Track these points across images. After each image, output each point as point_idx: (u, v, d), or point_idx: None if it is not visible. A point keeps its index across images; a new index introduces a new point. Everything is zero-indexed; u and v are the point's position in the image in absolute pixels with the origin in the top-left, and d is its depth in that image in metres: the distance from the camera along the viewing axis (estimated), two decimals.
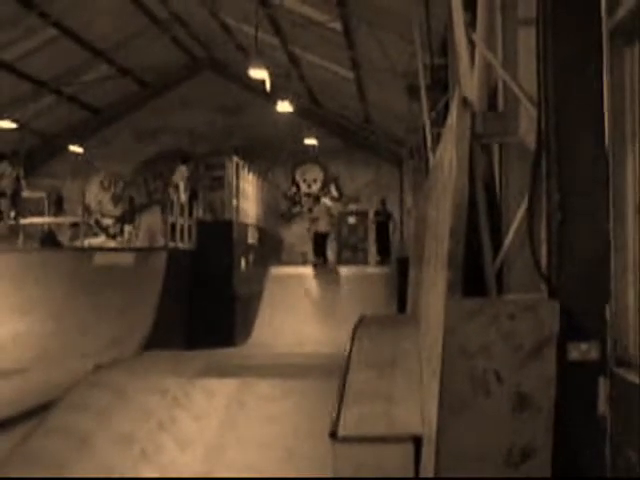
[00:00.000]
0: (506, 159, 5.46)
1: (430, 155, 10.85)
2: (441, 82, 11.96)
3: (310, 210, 24.28)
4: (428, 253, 7.36)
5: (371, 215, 23.48)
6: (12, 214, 19.48)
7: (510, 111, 5.23)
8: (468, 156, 4.90)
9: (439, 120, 11.50)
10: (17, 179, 19.52)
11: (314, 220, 21.60)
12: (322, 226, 21.46)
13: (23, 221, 19.43)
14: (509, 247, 5.03)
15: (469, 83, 5.62)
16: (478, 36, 5.43)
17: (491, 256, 5.01)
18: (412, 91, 14.22)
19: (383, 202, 22.75)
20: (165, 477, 6.27)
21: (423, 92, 11.84)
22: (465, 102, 5.08)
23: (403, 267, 16.52)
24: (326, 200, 23.13)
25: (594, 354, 4.39)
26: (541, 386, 4.35)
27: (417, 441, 5.51)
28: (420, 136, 14.74)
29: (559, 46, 4.55)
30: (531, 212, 4.69)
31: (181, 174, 18.99)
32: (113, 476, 6.74)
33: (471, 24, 5.76)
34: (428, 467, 4.82)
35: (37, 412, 8.53)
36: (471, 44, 5.72)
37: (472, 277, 4.95)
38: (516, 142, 5.19)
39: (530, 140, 4.86)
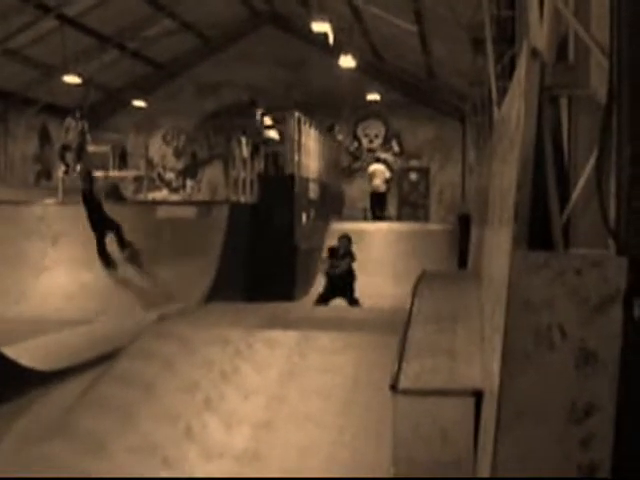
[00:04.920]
0: (575, 112, 5.34)
1: (495, 110, 10.66)
2: (507, 35, 11.71)
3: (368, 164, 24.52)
4: (492, 208, 7.28)
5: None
6: (77, 168, 19.84)
7: (581, 62, 5.09)
8: (536, 109, 4.80)
9: (504, 74, 11.28)
10: (82, 133, 19.84)
11: (370, 179, 22.16)
12: (378, 186, 21.92)
13: None
14: (577, 201, 4.94)
15: (538, 34, 5.49)
16: None
17: (558, 210, 4.93)
18: (477, 44, 13.97)
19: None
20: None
21: (489, 45, 11.60)
22: (534, 53, 4.96)
23: (464, 224, 16.42)
24: (378, 165, 23.06)
25: None
26: (606, 342, 4.30)
27: (478, 395, 5.51)
28: (484, 91, 14.50)
29: None
30: (600, 166, 4.59)
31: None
32: (179, 424, 6.91)
33: None
34: (489, 422, 4.82)
35: (104, 360, 8.78)
36: None
37: (537, 232, 4.89)
38: (586, 95, 5.06)
39: (601, 92, 4.73)
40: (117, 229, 15.20)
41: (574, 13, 5.16)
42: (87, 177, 15.60)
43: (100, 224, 14.95)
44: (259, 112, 18.79)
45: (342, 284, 13.10)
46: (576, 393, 4.32)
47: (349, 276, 13.19)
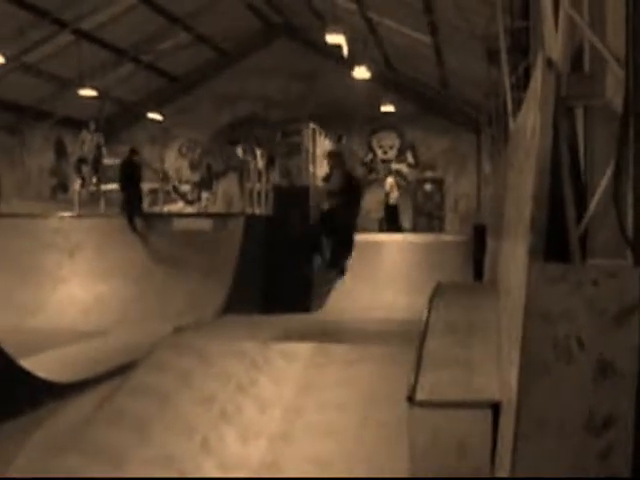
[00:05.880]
0: (591, 122, 5.32)
1: (510, 121, 10.65)
2: (521, 45, 11.71)
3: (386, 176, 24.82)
4: (508, 219, 7.26)
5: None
6: (93, 180, 19.98)
7: (596, 73, 5.08)
8: (552, 119, 4.79)
9: (519, 85, 11.27)
10: (98, 146, 19.99)
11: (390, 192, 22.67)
12: (395, 197, 22.53)
13: (104, 187, 19.90)
14: (594, 213, 4.91)
15: (553, 44, 5.48)
16: None
17: (575, 221, 4.91)
18: (491, 55, 13.96)
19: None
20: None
21: (503, 56, 11.59)
22: (550, 64, 4.95)
23: (479, 235, 16.37)
24: (391, 178, 23.59)
25: None
26: (624, 354, 4.27)
27: (495, 407, 5.48)
28: (499, 102, 14.48)
29: None
30: (617, 177, 4.57)
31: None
32: (194, 436, 6.91)
33: None
34: (507, 434, 4.80)
35: (120, 372, 8.80)
36: (556, 3, 5.57)
37: (554, 244, 4.87)
38: (602, 105, 5.05)
39: (617, 103, 4.71)
40: (139, 196, 17.42)
41: (589, 23, 5.16)
42: (133, 152, 17.90)
43: (131, 188, 17.04)
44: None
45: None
46: (594, 405, 4.29)
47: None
